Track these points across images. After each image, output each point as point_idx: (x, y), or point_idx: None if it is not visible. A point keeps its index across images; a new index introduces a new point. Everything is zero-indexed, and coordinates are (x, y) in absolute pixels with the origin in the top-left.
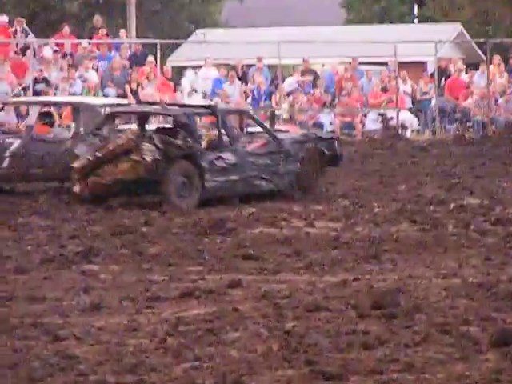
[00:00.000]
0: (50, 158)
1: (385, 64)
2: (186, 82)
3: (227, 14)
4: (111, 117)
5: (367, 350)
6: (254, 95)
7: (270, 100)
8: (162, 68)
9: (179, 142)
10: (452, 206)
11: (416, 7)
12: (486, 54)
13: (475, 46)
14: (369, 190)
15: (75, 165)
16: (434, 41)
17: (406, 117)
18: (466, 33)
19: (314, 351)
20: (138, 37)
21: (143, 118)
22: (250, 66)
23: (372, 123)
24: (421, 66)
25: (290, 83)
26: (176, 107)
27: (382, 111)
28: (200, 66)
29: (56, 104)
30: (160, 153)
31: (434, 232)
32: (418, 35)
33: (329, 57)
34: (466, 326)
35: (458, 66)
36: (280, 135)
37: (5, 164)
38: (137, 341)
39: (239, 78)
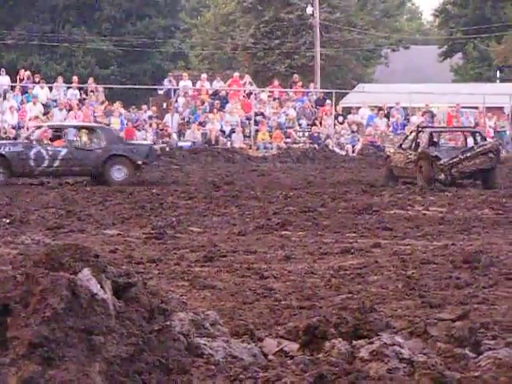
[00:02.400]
0: (87, 161)
1: (477, 108)
2: (354, 117)
3: (378, 73)
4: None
5: (458, 289)
6: (393, 126)
7: (403, 129)
8: (335, 108)
9: None
10: None
11: (498, 72)
12: None
13: None
14: (464, 187)
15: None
16: (509, 94)
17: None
18: None
19: (424, 289)
20: (321, 88)
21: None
22: (391, 107)
23: None
24: (500, 109)
25: (416, 119)
26: None
27: None
28: (359, 107)
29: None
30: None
31: (505, 215)
32: (498, 90)
33: (442, 103)
34: None
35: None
36: None
37: (56, 164)
38: (313, 280)
39: (385, 115)
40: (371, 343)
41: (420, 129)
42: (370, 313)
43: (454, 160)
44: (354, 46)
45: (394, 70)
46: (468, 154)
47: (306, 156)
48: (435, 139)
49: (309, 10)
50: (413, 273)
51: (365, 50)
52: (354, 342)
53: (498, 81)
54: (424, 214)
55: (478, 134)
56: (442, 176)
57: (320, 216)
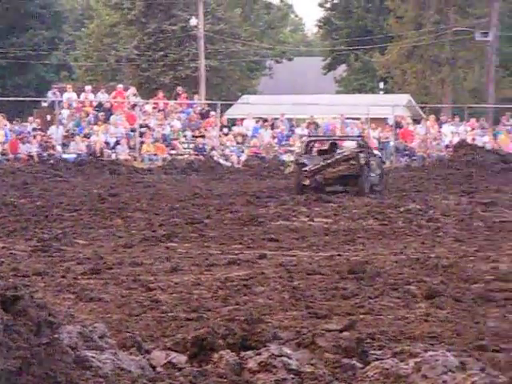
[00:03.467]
0: None
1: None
2: (238, 128)
3: (262, 85)
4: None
5: (344, 300)
6: (278, 138)
7: (288, 140)
8: (220, 119)
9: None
10: (401, 209)
11: (381, 83)
12: (425, 113)
13: (419, 108)
14: (349, 197)
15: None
16: (391, 105)
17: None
18: (413, 100)
19: (310, 300)
20: (205, 99)
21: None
22: (276, 118)
23: None
24: (384, 120)
25: (300, 130)
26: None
27: None
28: (244, 119)
29: None
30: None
31: (389, 226)
32: (382, 101)
33: (326, 114)
34: (408, 285)
35: (407, 121)
36: None
37: None
38: (199, 291)
39: (270, 127)
40: (259, 354)
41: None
42: (258, 324)
43: (317, 167)
44: (239, 58)
45: (278, 82)
46: (329, 161)
47: (191, 167)
48: (311, 148)
49: (193, 21)
50: (299, 284)
51: (249, 61)
52: (242, 354)
53: (381, 92)
54: (309, 225)
55: (361, 142)
56: (308, 182)
57: (206, 227)
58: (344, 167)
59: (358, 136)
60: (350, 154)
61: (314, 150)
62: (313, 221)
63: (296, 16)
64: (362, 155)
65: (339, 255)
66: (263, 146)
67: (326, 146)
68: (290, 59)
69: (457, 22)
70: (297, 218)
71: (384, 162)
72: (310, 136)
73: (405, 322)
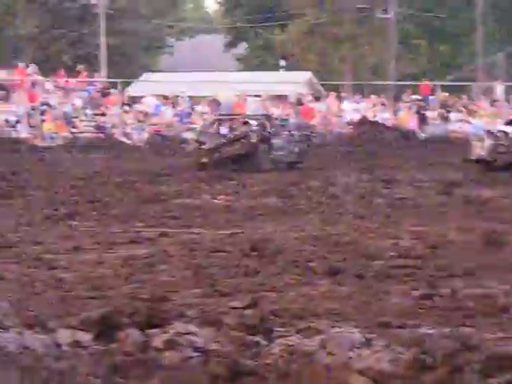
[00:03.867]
0: None
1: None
2: (139, 106)
3: (164, 62)
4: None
5: (247, 277)
6: (180, 115)
7: (190, 118)
8: (122, 97)
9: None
10: (302, 186)
11: (282, 60)
12: (326, 91)
13: (319, 86)
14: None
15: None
16: (292, 82)
17: None
18: (314, 77)
19: (214, 278)
20: (107, 77)
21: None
22: (177, 96)
23: None
24: (286, 97)
25: (201, 108)
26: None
27: None
28: (145, 96)
29: None
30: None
31: (290, 203)
32: (283, 78)
33: (227, 91)
34: (310, 262)
35: (308, 98)
36: None
37: None
38: (102, 270)
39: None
40: (165, 332)
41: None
42: (163, 302)
43: (213, 145)
44: (139, 35)
45: (179, 59)
46: (224, 140)
47: (92, 146)
48: (218, 126)
49: None
50: (201, 261)
51: (150, 39)
52: (148, 332)
53: (282, 69)
54: (211, 203)
55: (263, 120)
56: (206, 160)
57: (107, 206)
58: (238, 146)
59: (263, 115)
60: (241, 132)
61: (223, 127)
62: (215, 199)
63: None
64: (254, 134)
65: (241, 233)
66: (164, 124)
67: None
68: (191, 36)
69: None
70: (198, 196)
71: (310, 140)
72: (216, 114)
73: (307, 299)
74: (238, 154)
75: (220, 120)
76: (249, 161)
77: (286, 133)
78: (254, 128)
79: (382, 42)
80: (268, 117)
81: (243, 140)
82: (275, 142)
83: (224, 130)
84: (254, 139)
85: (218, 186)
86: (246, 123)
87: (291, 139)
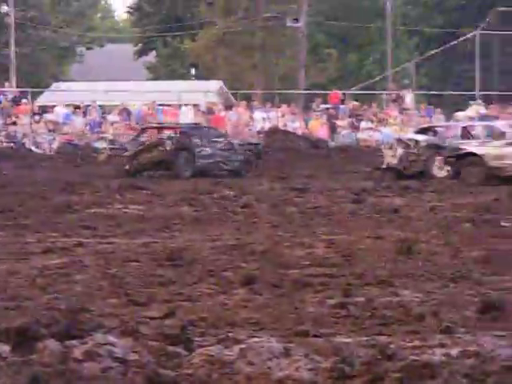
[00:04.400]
0: None
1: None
2: (50, 115)
3: (74, 72)
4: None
5: (163, 287)
6: (91, 124)
7: (101, 127)
8: (32, 106)
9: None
10: (216, 195)
11: (193, 69)
12: (237, 100)
13: (230, 95)
14: (164, 184)
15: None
16: (203, 91)
17: None
18: (224, 86)
19: (129, 287)
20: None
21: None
22: (88, 105)
23: None
24: (197, 106)
25: (112, 117)
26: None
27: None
28: (56, 106)
29: None
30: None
31: (204, 212)
32: (194, 87)
33: (138, 100)
34: (225, 271)
35: (219, 107)
36: None
37: None
38: (16, 280)
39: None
40: (84, 343)
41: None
42: (80, 312)
43: (132, 153)
44: (49, 45)
45: (90, 69)
46: (142, 148)
47: (2, 155)
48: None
49: (3, 8)
50: (117, 271)
51: (60, 48)
52: (67, 343)
53: (193, 78)
54: (124, 212)
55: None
56: (127, 167)
57: (20, 216)
58: (154, 153)
59: (195, 123)
60: (156, 140)
61: (146, 137)
62: (127, 208)
63: (106, 3)
64: (168, 141)
65: (156, 242)
66: (75, 133)
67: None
68: (101, 46)
69: (268, 8)
70: (111, 206)
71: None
72: (143, 124)
73: (224, 308)
74: (155, 162)
75: (146, 129)
76: (168, 168)
77: (224, 142)
78: (174, 136)
79: (292, 51)
80: (198, 125)
81: (160, 147)
82: (203, 150)
83: (143, 138)
84: (168, 147)
85: (130, 196)
86: (183, 133)
87: (233, 148)
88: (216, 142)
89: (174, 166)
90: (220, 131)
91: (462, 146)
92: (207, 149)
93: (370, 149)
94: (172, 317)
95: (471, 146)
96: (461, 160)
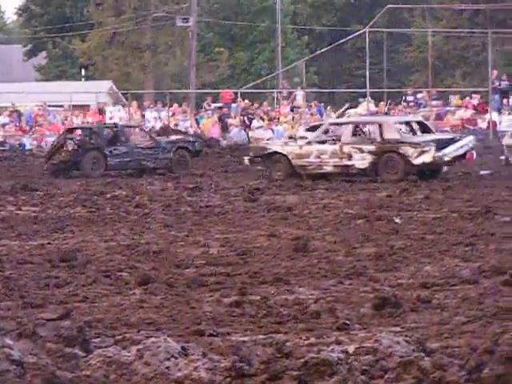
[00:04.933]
0: None
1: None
2: None
3: None
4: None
5: (58, 288)
6: None
7: None
8: None
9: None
10: (108, 195)
11: (83, 70)
12: (127, 100)
13: (121, 95)
14: (56, 185)
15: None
16: (94, 92)
17: None
18: (114, 86)
19: (24, 289)
20: None
21: None
22: None
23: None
24: (88, 107)
25: (3, 118)
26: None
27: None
28: None
29: None
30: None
31: (97, 213)
32: (85, 88)
33: (28, 102)
34: (120, 272)
35: (110, 108)
36: None
37: None
38: None
39: None
40: None
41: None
42: None
43: (48, 153)
44: None
45: None
46: (51, 149)
47: None
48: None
49: None
50: (11, 273)
51: None
52: None
53: (83, 79)
54: (17, 214)
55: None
56: (45, 167)
57: None
58: (63, 153)
59: (114, 124)
60: (60, 141)
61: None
62: (20, 209)
63: None
64: (70, 141)
65: (49, 243)
66: None
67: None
68: None
69: (157, 7)
70: (3, 207)
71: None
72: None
73: (120, 309)
74: (63, 162)
75: (73, 129)
76: (77, 169)
77: (147, 141)
78: (74, 137)
79: (183, 50)
80: (115, 125)
81: (64, 148)
82: (117, 149)
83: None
84: (70, 147)
85: (22, 197)
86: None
87: (159, 146)
88: (136, 140)
89: (80, 166)
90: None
91: (268, 146)
92: (122, 147)
93: None
94: (68, 318)
95: (276, 145)
96: (267, 159)
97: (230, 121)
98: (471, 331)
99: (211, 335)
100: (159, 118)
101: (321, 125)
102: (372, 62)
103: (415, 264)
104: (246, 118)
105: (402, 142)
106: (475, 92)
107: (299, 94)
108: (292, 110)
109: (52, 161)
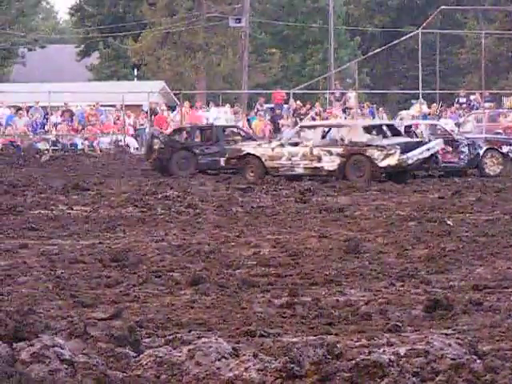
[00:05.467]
0: None
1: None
2: None
3: (15, 73)
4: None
5: (109, 288)
6: (33, 126)
7: (44, 128)
8: None
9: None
10: (160, 195)
11: (135, 70)
12: (180, 100)
13: (173, 95)
14: (108, 185)
15: None
16: (146, 92)
17: (130, 140)
18: (167, 86)
19: (75, 289)
20: None
21: None
22: (31, 106)
23: (107, 144)
24: (139, 107)
25: (55, 118)
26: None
27: (114, 136)
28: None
29: None
30: None
31: (149, 213)
32: (136, 88)
33: (81, 101)
34: (171, 272)
35: (162, 107)
36: None
37: None
38: None
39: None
40: (32, 345)
41: None
42: (28, 314)
43: (145, 153)
44: None
45: (32, 70)
46: (147, 149)
47: None
48: None
49: None
50: (62, 272)
51: (1, 49)
52: (15, 345)
53: (135, 79)
54: (69, 214)
55: None
56: (146, 164)
57: None
58: (153, 153)
59: (210, 124)
60: (148, 140)
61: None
62: (72, 209)
63: (48, 3)
64: (156, 140)
65: (101, 243)
66: (18, 135)
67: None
68: (42, 47)
69: (210, 8)
70: (55, 207)
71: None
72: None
73: (171, 309)
74: (156, 159)
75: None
76: (164, 167)
77: None
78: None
79: (235, 51)
80: (211, 125)
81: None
82: (210, 148)
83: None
84: (156, 146)
85: (73, 197)
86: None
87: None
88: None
89: (169, 165)
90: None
91: (242, 147)
92: (214, 147)
93: None
94: (119, 318)
95: (249, 147)
96: (241, 160)
97: (281, 121)
98: None
99: (262, 336)
100: (218, 118)
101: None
102: (424, 64)
103: (467, 266)
104: (298, 119)
105: (369, 145)
106: None
107: (351, 95)
108: (344, 111)
109: (149, 160)
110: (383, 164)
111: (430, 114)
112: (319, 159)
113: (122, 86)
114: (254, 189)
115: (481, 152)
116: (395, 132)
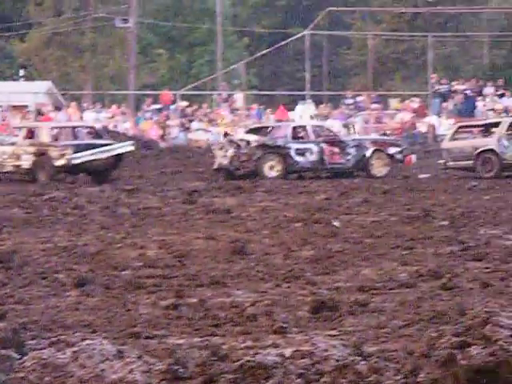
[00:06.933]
0: None
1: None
2: None
3: None
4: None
5: None
6: None
7: None
8: None
9: None
10: (45, 197)
11: (21, 70)
12: (66, 100)
13: (60, 95)
14: None
15: None
16: (32, 92)
17: None
18: (54, 87)
19: None
20: None
21: None
22: None
23: None
24: (25, 107)
25: None
26: None
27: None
28: None
29: None
30: None
31: (34, 214)
32: (22, 88)
33: None
34: (57, 273)
35: (48, 108)
36: None
37: None
38: None
39: None
40: None
41: None
42: None
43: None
44: None
45: None
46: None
47: None
48: None
49: None
50: None
51: None
52: None
53: (21, 79)
54: None
55: None
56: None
57: None
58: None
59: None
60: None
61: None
62: None
63: None
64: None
65: None
66: None
67: None
68: None
69: (97, 8)
70: None
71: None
72: None
73: (56, 311)
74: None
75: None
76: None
77: None
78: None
79: (122, 51)
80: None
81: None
82: None
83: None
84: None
85: None
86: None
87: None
88: None
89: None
90: None
91: None
92: None
93: (201, 149)
94: (3, 320)
95: None
96: None
97: (169, 122)
98: (408, 335)
99: (147, 338)
100: (98, 119)
101: (262, 127)
102: (312, 65)
103: (353, 267)
104: (185, 120)
105: (50, 145)
106: (415, 95)
107: (239, 96)
108: (232, 113)
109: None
110: (59, 163)
111: (317, 115)
112: (19, 158)
113: (7, 86)
114: (141, 190)
115: (367, 153)
116: (98, 135)
